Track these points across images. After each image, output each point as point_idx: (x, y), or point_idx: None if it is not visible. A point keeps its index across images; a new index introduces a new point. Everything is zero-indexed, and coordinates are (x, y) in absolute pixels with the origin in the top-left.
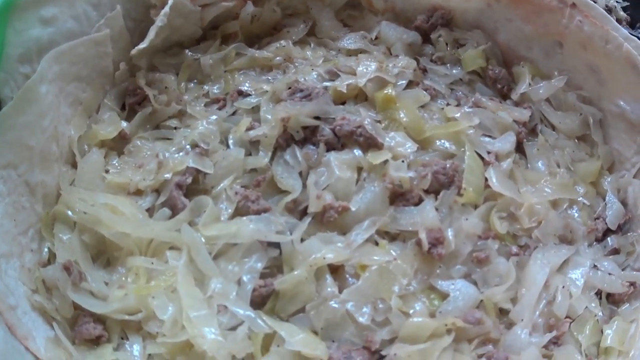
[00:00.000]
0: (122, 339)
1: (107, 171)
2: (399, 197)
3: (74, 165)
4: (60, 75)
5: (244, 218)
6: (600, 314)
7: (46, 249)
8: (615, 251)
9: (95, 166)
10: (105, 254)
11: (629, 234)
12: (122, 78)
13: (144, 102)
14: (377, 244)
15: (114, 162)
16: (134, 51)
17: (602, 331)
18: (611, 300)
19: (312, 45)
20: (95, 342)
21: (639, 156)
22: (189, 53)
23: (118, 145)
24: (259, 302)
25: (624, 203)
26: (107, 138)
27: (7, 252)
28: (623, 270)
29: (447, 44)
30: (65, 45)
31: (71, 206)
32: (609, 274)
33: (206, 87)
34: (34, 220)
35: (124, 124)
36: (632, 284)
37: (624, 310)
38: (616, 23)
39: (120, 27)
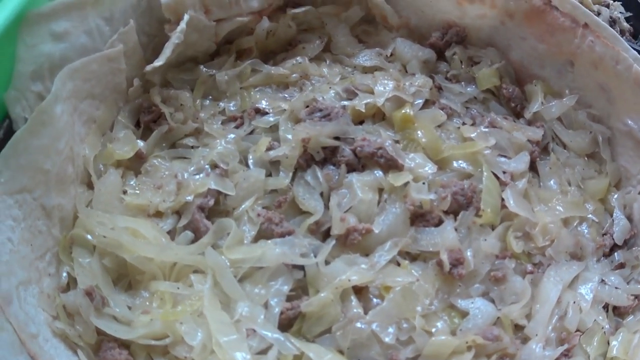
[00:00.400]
0: None
1: (124, 192)
2: (418, 217)
3: (89, 185)
4: (74, 92)
5: (269, 241)
6: (607, 326)
7: (65, 273)
8: (621, 265)
9: (113, 187)
10: (126, 277)
11: (634, 248)
12: (135, 94)
13: (159, 119)
14: (398, 264)
15: (131, 183)
16: (148, 68)
17: (608, 342)
18: (617, 312)
19: (327, 61)
20: None
21: None
22: (204, 69)
23: (134, 164)
24: (285, 324)
25: (629, 219)
26: (123, 158)
27: (26, 278)
28: (628, 283)
29: (461, 62)
30: (79, 61)
31: (90, 230)
32: (616, 288)
33: (222, 104)
34: (50, 244)
35: (141, 143)
36: (637, 296)
37: (629, 322)
38: (626, 44)
39: (133, 42)
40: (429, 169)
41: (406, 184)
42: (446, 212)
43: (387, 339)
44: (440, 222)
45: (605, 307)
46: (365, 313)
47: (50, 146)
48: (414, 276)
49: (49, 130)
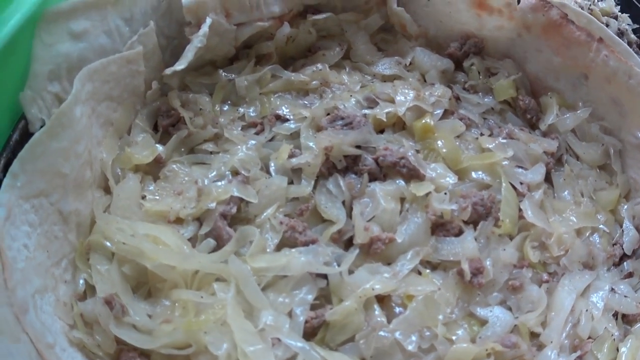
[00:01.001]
0: None
1: (143, 197)
2: (439, 227)
3: (107, 190)
4: (93, 94)
5: (293, 250)
6: (617, 333)
7: (82, 281)
8: (630, 274)
9: (132, 193)
10: (145, 285)
11: None
12: (153, 97)
13: (178, 123)
14: (420, 273)
15: (150, 188)
16: (168, 71)
17: (617, 349)
18: (626, 320)
19: (347, 69)
20: None
21: None
22: (223, 73)
23: (153, 169)
24: (309, 333)
25: (638, 229)
26: (142, 162)
27: (42, 286)
28: (636, 292)
29: (479, 73)
30: (98, 62)
31: (109, 236)
32: (625, 296)
33: (241, 110)
34: (67, 250)
35: (159, 147)
36: None
37: (637, 329)
38: (639, 59)
39: (153, 44)
40: (450, 179)
41: (428, 193)
42: (466, 222)
43: (409, 347)
44: (460, 232)
45: (615, 314)
46: (388, 322)
47: (69, 149)
48: (435, 285)
49: (69, 133)
